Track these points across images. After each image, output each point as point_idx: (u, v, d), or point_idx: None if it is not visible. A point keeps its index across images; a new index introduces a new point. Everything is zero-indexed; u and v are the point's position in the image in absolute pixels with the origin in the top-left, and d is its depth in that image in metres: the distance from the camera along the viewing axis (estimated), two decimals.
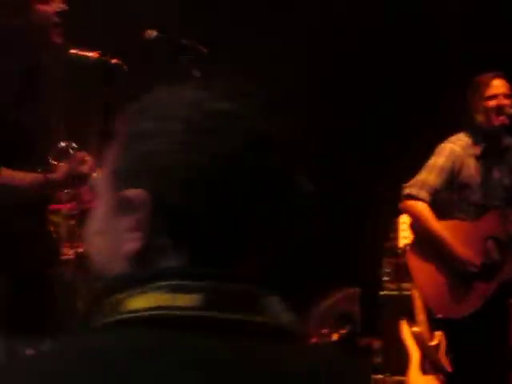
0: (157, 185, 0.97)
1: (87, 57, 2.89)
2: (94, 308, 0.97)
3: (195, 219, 0.96)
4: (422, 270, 4.08)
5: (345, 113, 6.02)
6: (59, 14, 2.89)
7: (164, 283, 0.92)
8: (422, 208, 4.01)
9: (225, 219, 0.97)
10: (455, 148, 4.07)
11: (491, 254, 4.05)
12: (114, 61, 2.83)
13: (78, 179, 2.82)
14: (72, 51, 2.87)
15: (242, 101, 1.02)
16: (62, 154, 2.89)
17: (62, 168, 2.84)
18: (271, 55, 5.78)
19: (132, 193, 0.98)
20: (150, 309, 0.92)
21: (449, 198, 4.10)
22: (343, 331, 5.28)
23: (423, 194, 4.02)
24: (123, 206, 0.99)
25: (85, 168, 2.87)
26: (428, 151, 4.17)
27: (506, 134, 4.11)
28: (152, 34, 3.06)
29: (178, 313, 0.91)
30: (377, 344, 5.70)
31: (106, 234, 1.03)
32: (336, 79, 5.87)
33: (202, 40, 3.14)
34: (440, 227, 4.00)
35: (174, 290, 0.92)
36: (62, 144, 2.90)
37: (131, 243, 0.98)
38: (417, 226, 4.06)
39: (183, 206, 0.96)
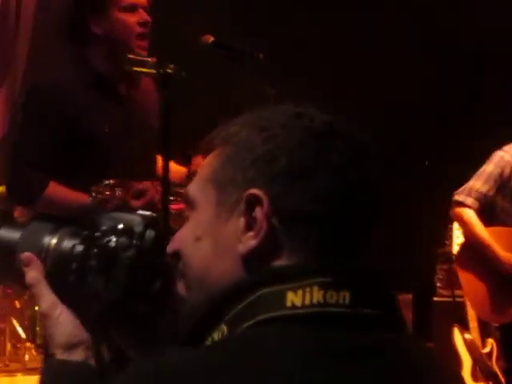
0: (273, 187, 1.00)
1: (145, 61, 2.91)
2: (228, 303, 0.98)
3: (313, 221, 1.00)
4: (468, 275, 4.12)
5: (399, 117, 6.01)
6: (142, 24, 2.89)
7: (314, 280, 0.95)
8: (468, 214, 4.05)
9: (344, 222, 1.01)
10: (505, 155, 4.07)
11: None
12: (171, 66, 2.85)
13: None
14: (130, 56, 2.90)
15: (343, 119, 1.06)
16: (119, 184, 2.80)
17: (114, 200, 2.77)
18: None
19: (253, 192, 1.01)
20: (308, 306, 0.94)
21: (503, 205, 4.10)
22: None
23: (470, 201, 4.05)
24: (239, 207, 1.02)
25: (137, 202, 2.79)
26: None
27: None
28: (209, 39, 3.05)
29: (333, 310, 0.95)
30: None
31: (210, 239, 1.05)
32: (394, 89, 5.86)
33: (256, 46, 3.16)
34: (485, 233, 4.02)
35: (325, 287, 0.95)
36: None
37: (248, 242, 1.01)
38: (464, 231, 4.11)
39: (298, 208, 1.00)
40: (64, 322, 1.15)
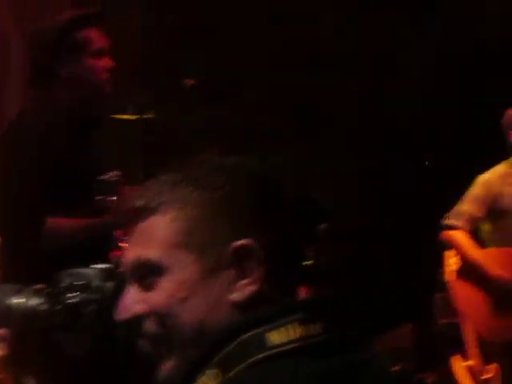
0: (265, 237, 1.08)
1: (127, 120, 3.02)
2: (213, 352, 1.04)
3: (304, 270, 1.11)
4: (469, 297, 4.12)
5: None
6: (108, 69, 3.07)
7: (292, 317, 1.04)
8: (460, 236, 4.10)
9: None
10: (491, 177, 4.12)
11: None
12: (150, 116, 2.91)
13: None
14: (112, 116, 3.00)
15: None
16: (110, 188, 2.95)
17: (113, 205, 2.89)
18: None
19: (241, 243, 1.08)
20: (294, 341, 1.03)
21: (491, 226, 4.12)
22: (396, 368, 5.25)
23: (461, 223, 4.09)
24: (224, 261, 1.08)
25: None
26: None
27: None
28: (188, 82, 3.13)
29: (313, 341, 1.03)
30: (431, 379, 5.65)
31: (199, 296, 1.09)
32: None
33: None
34: (478, 253, 4.05)
35: (304, 322, 1.03)
36: (110, 175, 2.96)
37: (245, 290, 1.08)
38: (458, 254, 4.12)
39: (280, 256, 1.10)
40: None
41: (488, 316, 4.10)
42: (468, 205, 4.08)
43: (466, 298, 4.16)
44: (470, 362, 4.98)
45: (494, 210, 4.06)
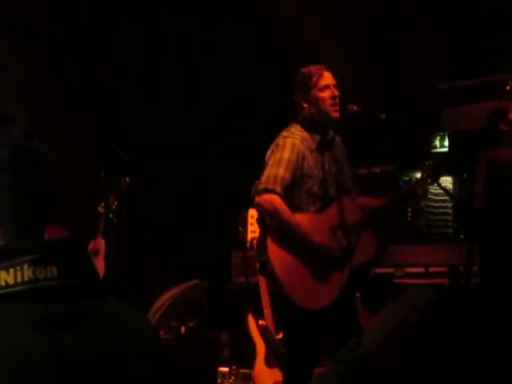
0: None
1: None
2: None
3: (5, 190, 1.08)
4: (283, 262, 4.08)
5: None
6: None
7: (24, 259, 1.03)
8: (278, 201, 4.02)
9: (32, 190, 1.10)
10: (296, 141, 4.10)
11: (341, 242, 4.10)
12: None
13: None
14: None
15: None
16: None
17: None
18: None
19: None
20: (23, 283, 1.02)
21: (292, 189, 4.11)
22: (191, 324, 5.24)
23: (278, 188, 4.03)
24: None
25: None
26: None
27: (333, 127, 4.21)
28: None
29: (46, 284, 1.03)
30: (225, 336, 5.70)
31: None
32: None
33: None
34: (296, 220, 4.03)
35: (34, 264, 1.03)
36: None
37: None
38: (275, 218, 4.04)
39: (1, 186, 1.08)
40: None
41: (300, 283, 4.07)
42: (281, 169, 4.01)
43: (280, 262, 4.10)
44: (263, 322, 5.06)
45: (298, 175, 4.04)
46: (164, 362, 1.16)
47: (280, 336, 5.04)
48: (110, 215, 4.49)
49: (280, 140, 4.14)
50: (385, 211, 4.21)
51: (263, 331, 5.04)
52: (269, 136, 4.23)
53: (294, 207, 4.12)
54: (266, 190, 4.04)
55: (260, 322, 5.06)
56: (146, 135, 5.61)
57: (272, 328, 5.07)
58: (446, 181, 5.55)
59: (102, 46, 5.65)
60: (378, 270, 5.33)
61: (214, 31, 6.04)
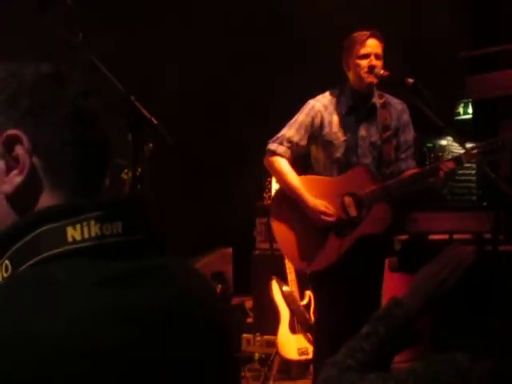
0: (25, 126, 1.06)
1: None
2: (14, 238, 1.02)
3: (66, 148, 1.07)
4: (281, 224, 4.07)
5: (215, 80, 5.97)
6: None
7: (91, 215, 1.02)
8: (280, 162, 4.04)
9: (92, 148, 1.11)
10: (316, 104, 4.06)
11: (348, 209, 4.06)
12: None
13: None
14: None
15: None
16: None
17: None
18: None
19: (11, 133, 1.06)
20: (90, 239, 1.02)
21: (316, 154, 4.10)
22: (218, 288, 5.27)
23: (281, 149, 4.04)
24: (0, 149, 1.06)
25: None
26: (294, 107, 4.19)
27: (375, 93, 4.13)
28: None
29: (112, 240, 1.03)
30: (249, 303, 5.73)
31: None
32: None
33: None
34: (297, 181, 4.01)
35: (101, 220, 1.03)
36: None
37: (13, 181, 1.06)
38: (276, 180, 4.09)
39: (50, 139, 1.07)
40: None
41: (297, 246, 4.05)
42: (292, 131, 4.01)
43: (280, 226, 4.09)
44: (287, 288, 5.08)
45: (319, 138, 4.02)
46: (225, 321, 1.18)
47: (304, 302, 5.08)
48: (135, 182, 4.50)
49: (307, 102, 4.15)
50: (404, 188, 4.13)
51: (287, 297, 5.07)
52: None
53: (321, 171, 4.11)
54: (269, 151, 4.09)
55: (284, 288, 5.09)
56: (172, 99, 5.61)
57: (296, 294, 5.10)
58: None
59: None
60: (402, 237, 5.32)
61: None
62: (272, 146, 4.08)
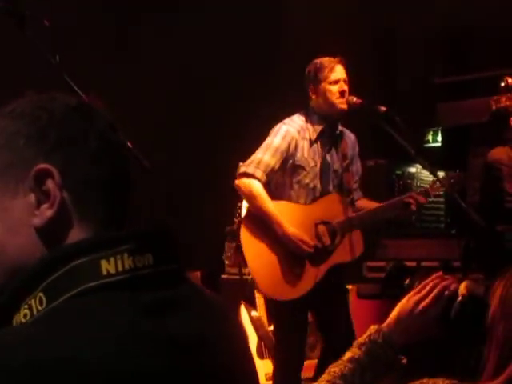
0: (54, 159, 1.06)
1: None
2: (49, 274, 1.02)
3: (96, 183, 1.08)
4: (254, 249, 3.99)
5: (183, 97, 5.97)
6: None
7: (123, 247, 1.03)
8: (257, 186, 3.94)
9: (118, 182, 1.12)
10: (290, 129, 4.02)
11: (322, 238, 4.04)
12: None
13: None
14: None
15: None
16: None
17: None
18: None
19: (42, 167, 1.05)
20: (124, 272, 1.02)
21: (283, 179, 4.06)
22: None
23: (259, 173, 3.95)
24: (24, 186, 1.07)
25: None
26: (263, 132, 4.17)
27: (340, 120, 4.15)
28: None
29: (145, 272, 1.04)
30: None
31: None
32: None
33: None
34: (273, 207, 3.95)
35: (133, 253, 1.03)
36: None
37: (44, 214, 1.06)
38: (250, 203, 4.02)
39: (81, 174, 1.08)
40: None
41: (269, 273, 3.98)
42: (267, 155, 3.95)
43: (250, 250, 4.02)
44: (256, 313, 5.07)
45: (289, 163, 3.99)
46: (249, 350, 1.21)
47: (272, 327, 5.06)
48: None
49: (277, 125, 4.11)
50: (375, 218, 4.16)
51: (256, 323, 5.05)
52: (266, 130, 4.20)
53: (285, 197, 4.08)
54: (246, 174, 3.98)
55: (253, 313, 5.08)
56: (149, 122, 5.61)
57: (264, 319, 5.09)
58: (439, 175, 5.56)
59: None
60: (371, 264, 5.34)
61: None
62: (249, 168, 3.98)
